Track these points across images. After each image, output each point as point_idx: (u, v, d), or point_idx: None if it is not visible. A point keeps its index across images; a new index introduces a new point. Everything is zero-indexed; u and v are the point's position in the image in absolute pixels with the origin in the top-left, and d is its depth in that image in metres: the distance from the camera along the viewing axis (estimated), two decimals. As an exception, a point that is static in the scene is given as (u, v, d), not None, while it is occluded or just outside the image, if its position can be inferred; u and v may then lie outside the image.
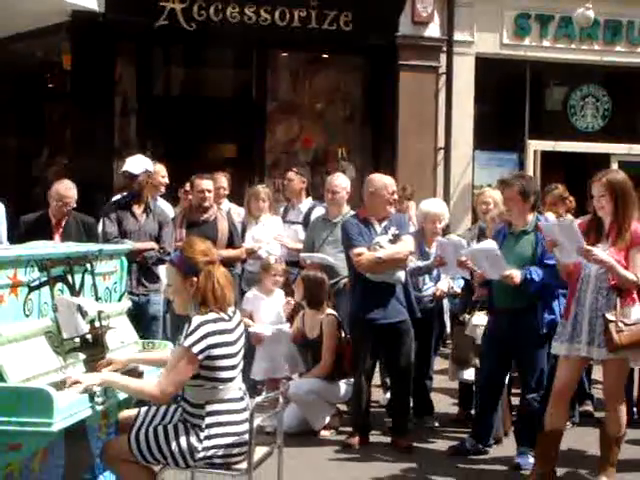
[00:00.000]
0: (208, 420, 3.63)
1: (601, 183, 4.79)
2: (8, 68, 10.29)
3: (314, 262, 6.56)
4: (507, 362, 5.54)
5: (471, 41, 10.66)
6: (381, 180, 5.93)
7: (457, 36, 10.52)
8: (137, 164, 6.36)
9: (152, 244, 6.20)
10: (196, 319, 3.60)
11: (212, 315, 3.62)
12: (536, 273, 5.19)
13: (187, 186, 7.43)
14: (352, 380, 6.11)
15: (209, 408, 3.63)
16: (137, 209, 6.30)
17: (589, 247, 4.61)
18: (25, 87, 10.52)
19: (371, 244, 5.71)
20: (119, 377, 3.72)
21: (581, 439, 5.88)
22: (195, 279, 3.65)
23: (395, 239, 5.71)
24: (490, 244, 5.32)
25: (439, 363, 7.12)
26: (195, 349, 3.53)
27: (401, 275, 5.75)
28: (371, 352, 5.88)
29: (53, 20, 9.30)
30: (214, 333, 3.58)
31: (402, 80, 10.35)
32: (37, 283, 3.71)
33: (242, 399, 3.74)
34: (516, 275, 5.17)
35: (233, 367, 3.68)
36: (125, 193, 6.61)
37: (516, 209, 5.40)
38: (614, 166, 10.51)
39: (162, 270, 6.47)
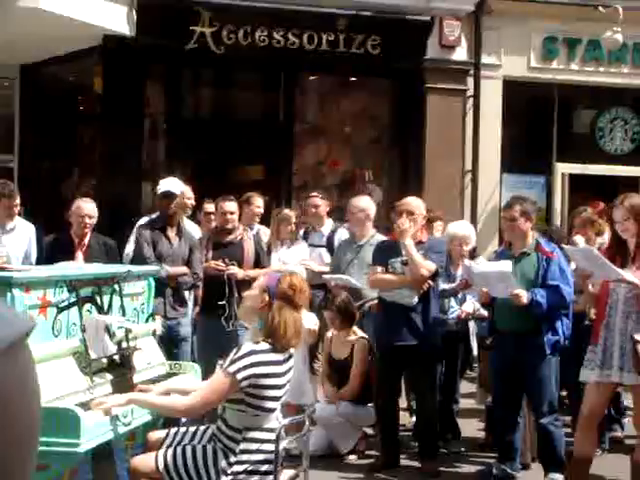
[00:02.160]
0: (243, 446, 3.63)
1: (623, 207, 4.78)
2: (41, 91, 10.46)
3: (338, 284, 6.55)
4: (518, 383, 5.49)
5: (498, 64, 10.67)
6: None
7: (484, 59, 10.53)
8: (169, 184, 6.40)
9: (185, 269, 6.22)
10: (247, 346, 3.63)
11: (264, 345, 3.63)
12: (541, 295, 5.19)
13: (206, 208, 7.49)
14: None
15: (246, 434, 3.64)
16: (171, 232, 6.30)
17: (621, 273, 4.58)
18: (57, 110, 10.68)
19: (388, 264, 5.75)
20: (145, 395, 3.74)
21: (611, 466, 5.79)
22: (267, 300, 3.66)
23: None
24: (507, 266, 5.28)
25: (466, 387, 7.06)
26: (239, 376, 3.53)
27: (413, 299, 5.72)
28: (389, 374, 5.86)
29: (85, 44, 9.44)
30: (262, 364, 3.59)
31: (429, 103, 10.37)
32: (66, 304, 3.75)
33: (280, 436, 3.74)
34: (523, 295, 5.16)
35: (277, 398, 3.70)
36: (154, 215, 6.65)
37: (518, 230, 5.41)
38: (644, 189, 10.44)
39: (188, 293, 6.51)
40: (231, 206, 6.61)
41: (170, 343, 5.86)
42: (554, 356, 5.34)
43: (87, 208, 6.28)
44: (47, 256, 5.89)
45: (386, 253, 5.87)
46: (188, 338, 6.39)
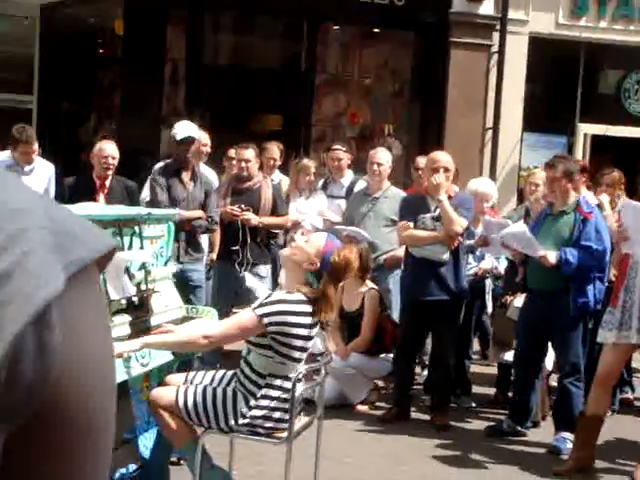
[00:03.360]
0: (264, 391, 3.65)
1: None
2: (61, 32, 10.37)
3: (349, 235, 6.51)
4: (542, 344, 5.49)
5: (525, 20, 10.48)
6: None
7: (511, 14, 10.35)
8: (187, 129, 6.33)
9: (200, 213, 6.18)
10: (279, 294, 3.64)
11: (297, 296, 3.63)
12: (572, 254, 5.14)
13: (230, 153, 7.43)
14: (391, 356, 6.13)
15: (269, 380, 3.66)
16: (185, 176, 6.27)
17: None
18: (77, 51, 10.60)
19: (417, 220, 5.71)
20: (160, 337, 3.74)
21: (621, 427, 5.81)
22: (318, 266, 3.63)
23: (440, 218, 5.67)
24: (520, 227, 5.27)
25: (478, 344, 7.07)
26: (265, 320, 3.54)
27: (445, 255, 5.70)
28: (411, 327, 5.87)
29: (106, -15, 9.34)
30: (292, 313, 3.59)
31: (453, 58, 10.23)
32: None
33: (299, 380, 3.76)
34: (551, 256, 5.12)
35: (304, 349, 3.70)
36: (169, 160, 6.61)
37: (559, 190, 5.34)
38: (667, 153, 10.33)
39: (204, 238, 6.49)
40: (247, 154, 6.58)
41: (184, 288, 5.85)
42: (582, 318, 5.30)
43: (110, 149, 6.26)
44: (68, 197, 5.87)
45: (414, 208, 5.82)
46: (202, 283, 6.39)
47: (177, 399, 3.71)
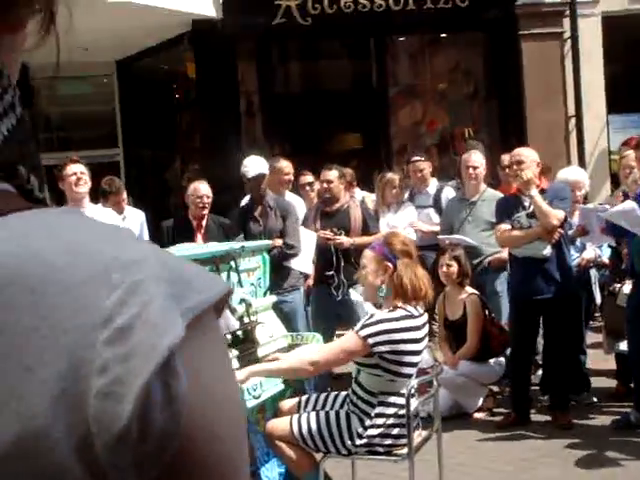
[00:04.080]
0: (378, 410, 3.64)
1: None
2: (138, 84, 10.69)
3: (452, 242, 6.45)
4: None
5: (596, 0, 10.21)
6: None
7: (579, -3, 10.11)
8: (257, 166, 6.34)
9: (277, 241, 6.09)
10: (378, 314, 3.63)
11: (399, 312, 3.62)
12: None
13: (303, 180, 7.51)
14: (501, 359, 6.01)
15: (382, 398, 3.64)
16: (257, 211, 6.30)
17: None
18: (154, 100, 10.91)
19: (512, 220, 5.60)
20: (264, 365, 3.76)
21: None
22: (391, 265, 3.66)
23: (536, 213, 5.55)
24: (630, 204, 5.08)
25: (591, 337, 6.86)
26: (371, 340, 3.53)
27: (545, 250, 5.56)
28: (526, 329, 5.75)
29: (175, 32, 9.58)
30: (397, 331, 3.57)
31: (525, 50, 10.05)
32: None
33: (412, 395, 3.73)
34: None
35: (414, 364, 3.68)
36: (249, 197, 6.65)
37: None
38: None
39: (296, 263, 6.43)
40: (330, 174, 6.55)
41: (284, 318, 5.82)
42: None
43: (204, 189, 6.40)
44: (167, 240, 6.00)
45: (509, 209, 5.72)
46: (295, 314, 6.30)
47: (292, 428, 3.72)
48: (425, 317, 3.77)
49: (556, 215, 5.49)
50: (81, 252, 0.56)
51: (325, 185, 6.55)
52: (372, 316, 3.63)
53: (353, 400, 3.70)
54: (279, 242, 6.08)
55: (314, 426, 3.69)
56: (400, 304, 3.63)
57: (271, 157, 7.73)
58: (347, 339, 3.63)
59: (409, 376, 3.66)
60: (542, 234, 5.52)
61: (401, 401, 3.64)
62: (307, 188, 7.55)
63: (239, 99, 10.26)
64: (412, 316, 3.62)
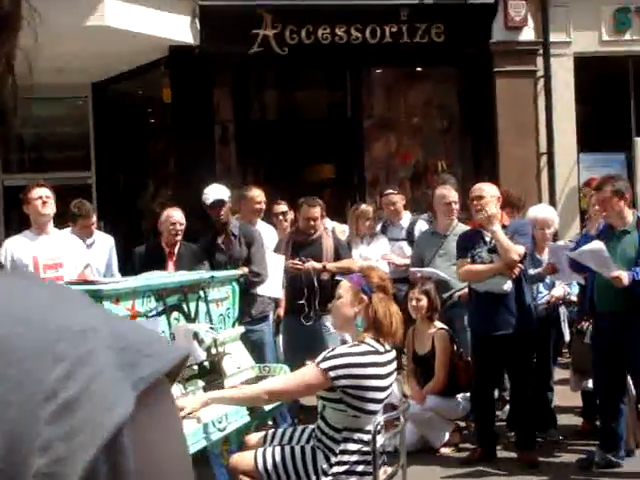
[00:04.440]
0: (342, 446, 3.59)
1: None
2: (113, 107, 10.66)
3: (424, 276, 6.46)
4: (620, 366, 5.31)
5: (568, 41, 10.39)
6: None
7: (553, 37, 10.27)
8: (217, 193, 6.29)
9: (240, 270, 6.05)
10: (343, 347, 3.60)
11: (363, 347, 3.59)
12: None
13: (277, 209, 7.50)
14: (468, 395, 6.02)
15: (346, 434, 3.60)
16: (220, 240, 6.24)
17: None
18: (129, 124, 10.87)
19: (473, 255, 5.64)
20: (221, 392, 3.72)
21: None
22: (366, 298, 3.64)
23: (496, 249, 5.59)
24: (597, 245, 5.13)
25: (559, 373, 6.88)
26: (331, 374, 3.49)
27: (506, 286, 5.59)
28: (486, 365, 5.75)
29: (152, 57, 9.58)
30: (360, 365, 3.53)
31: (499, 87, 10.18)
32: (154, 313, 3.78)
33: (379, 432, 3.69)
34: (624, 276, 4.98)
35: (379, 401, 3.64)
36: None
37: (611, 211, 5.23)
38: None
39: (265, 290, 6.37)
40: (316, 212, 6.51)
41: (252, 348, 5.77)
42: None
43: (177, 216, 6.37)
44: (139, 266, 5.94)
45: (470, 244, 5.76)
46: (264, 343, 6.25)
47: (256, 462, 3.68)
48: (392, 354, 3.74)
49: (517, 250, 5.53)
50: (29, 321, 0.54)
51: (311, 223, 6.49)
52: (334, 349, 3.59)
53: (318, 435, 3.67)
54: (245, 270, 6.04)
55: (279, 461, 3.65)
56: (368, 338, 3.61)
57: (244, 185, 7.75)
58: (308, 370, 3.59)
59: (374, 412, 3.62)
60: (503, 269, 5.55)
61: (366, 437, 3.60)
62: (280, 217, 7.54)
63: (214, 126, 10.27)
64: (377, 352, 3.59)
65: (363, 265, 6.03)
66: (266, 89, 11.46)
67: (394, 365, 3.75)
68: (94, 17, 8.36)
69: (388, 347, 3.69)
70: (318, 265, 6.28)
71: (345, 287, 3.77)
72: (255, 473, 3.69)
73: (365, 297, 3.65)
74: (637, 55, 10.58)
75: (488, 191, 5.73)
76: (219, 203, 6.16)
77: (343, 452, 3.58)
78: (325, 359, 3.52)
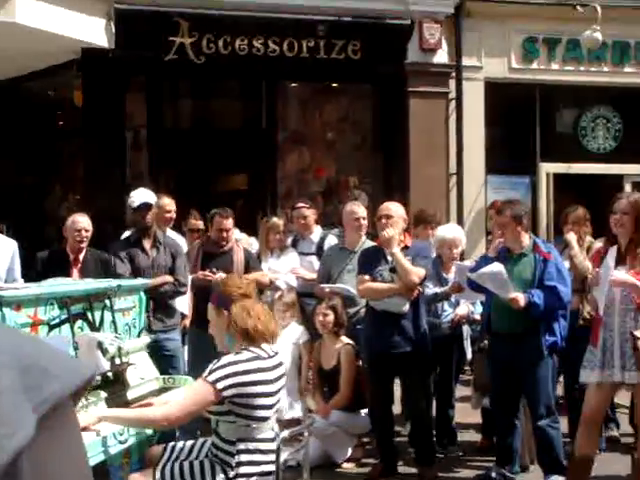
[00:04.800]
0: (238, 458, 3.56)
1: (628, 201, 4.78)
2: (21, 107, 10.36)
3: (333, 291, 6.48)
4: (515, 386, 5.46)
5: (479, 66, 10.67)
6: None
7: (465, 62, 10.53)
8: (143, 196, 6.31)
9: (166, 278, 6.12)
10: (226, 358, 3.55)
11: (246, 355, 3.56)
12: (538, 296, 5.17)
13: (192, 225, 7.46)
14: (372, 410, 6.07)
15: (241, 446, 3.56)
16: (147, 244, 6.24)
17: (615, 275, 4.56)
18: (37, 125, 10.58)
19: (374, 272, 5.71)
20: (115, 411, 3.65)
21: (609, 466, 5.76)
22: (226, 312, 3.62)
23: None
24: (497, 267, 5.27)
25: (461, 391, 7.02)
26: (219, 385, 3.46)
27: (404, 306, 5.67)
28: (380, 382, 5.81)
29: (63, 58, 9.36)
30: (245, 372, 3.51)
31: (412, 107, 10.35)
32: (57, 321, 3.68)
33: (273, 440, 3.67)
34: (521, 298, 5.13)
35: (269, 407, 3.61)
36: (133, 229, 6.57)
37: (511, 234, 5.38)
38: (627, 187, 10.51)
39: (179, 303, 6.43)
40: (229, 224, 6.54)
41: (161, 358, 5.74)
42: (551, 357, 5.33)
43: (82, 222, 6.21)
44: (42, 272, 5.77)
45: (372, 261, 5.81)
46: (178, 352, 6.26)
47: None
48: (278, 358, 3.73)
49: (417, 273, 5.61)
50: None
51: (224, 234, 6.48)
52: (218, 360, 3.55)
53: (214, 452, 3.63)
54: (169, 278, 6.04)
55: (177, 477, 3.60)
56: (246, 346, 3.59)
57: (155, 193, 7.63)
58: (196, 387, 3.55)
59: (265, 419, 3.59)
60: (402, 290, 5.63)
61: (260, 446, 3.57)
62: (195, 234, 7.48)
63: (126, 132, 10.10)
64: (260, 357, 3.58)
65: (249, 277, 6.11)
66: (181, 97, 11.35)
67: (282, 370, 3.74)
68: (3, 13, 8.11)
69: (272, 352, 3.67)
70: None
71: (209, 308, 3.78)
72: (155, 491, 3.63)
73: (225, 311, 3.63)
74: (543, 84, 10.95)
75: (396, 210, 5.81)
76: (146, 206, 6.17)
77: (239, 464, 3.55)
78: (211, 372, 3.49)
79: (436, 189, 10.33)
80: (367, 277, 5.75)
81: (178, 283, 6.13)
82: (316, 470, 5.46)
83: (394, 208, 5.86)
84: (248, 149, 10.56)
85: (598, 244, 5.47)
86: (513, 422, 5.52)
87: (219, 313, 3.67)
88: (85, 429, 3.44)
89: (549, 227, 10.81)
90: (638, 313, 4.68)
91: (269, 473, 3.59)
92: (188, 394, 3.53)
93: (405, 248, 5.73)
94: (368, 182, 10.99)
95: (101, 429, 3.56)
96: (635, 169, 11.20)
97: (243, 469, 3.55)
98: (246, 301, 3.64)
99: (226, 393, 3.47)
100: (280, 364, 3.73)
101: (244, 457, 3.56)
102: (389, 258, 5.71)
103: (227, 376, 3.47)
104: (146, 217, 6.19)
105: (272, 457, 3.63)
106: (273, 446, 3.65)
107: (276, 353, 3.72)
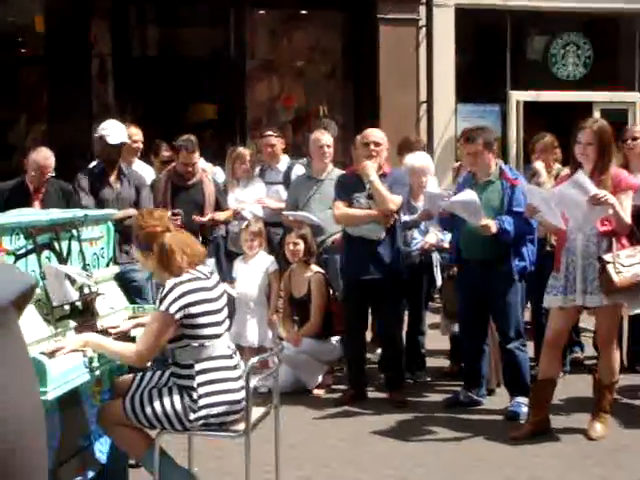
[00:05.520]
0: (199, 379, 3.62)
1: (592, 130, 4.78)
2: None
3: (297, 219, 6.47)
4: (484, 312, 5.55)
5: (450, -8, 10.54)
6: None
7: (436, -13, 10.39)
8: (120, 134, 6.17)
9: (131, 211, 6.05)
10: (169, 282, 3.60)
11: (186, 276, 3.63)
12: (508, 222, 5.21)
13: (163, 157, 7.37)
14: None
15: (198, 367, 3.62)
16: (111, 176, 6.17)
17: (599, 192, 4.57)
18: (-2, 53, 10.31)
19: (352, 198, 5.71)
20: (100, 338, 3.68)
21: (573, 386, 5.92)
22: (153, 253, 3.68)
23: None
24: (470, 195, 5.28)
25: (430, 318, 7.12)
26: (171, 310, 3.52)
27: (379, 232, 5.70)
28: (356, 308, 5.88)
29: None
30: (191, 292, 3.58)
31: (382, 34, 10.23)
32: (24, 251, 3.64)
33: (232, 357, 3.74)
34: (492, 225, 5.17)
35: (217, 323, 3.68)
36: (95, 162, 6.48)
37: (482, 162, 5.39)
38: (596, 114, 10.51)
39: None
40: (195, 157, 6.51)
41: (129, 290, 5.73)
42: (520, 282, 5.40)
43: (44, 157, 6.08)
44: (3, 204, 5.68)
45: (349, 187, 5.81)
46: (145, 283, 6.25)
47: (125, 410, 3.68)
48: (216, 277, 3.80)
49: (394, 200, 5.64)
50: None
51: (189, 169, 6.52)
52: (163, 288, 3.60)
53: (176, 381, 3.68)
54: (134, 212, 5.99)
55: (147, 404, 3.65)
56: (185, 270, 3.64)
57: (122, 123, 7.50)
58: (154, 320, 3.59)
59: (217, 336, 3.66)
60: (379, 217, 5.66)
61: (218, 364, 3.63)
62: (166, 165, 7.39)
63: (91, 60, 9.88)
64: (199, 278, 3.65)
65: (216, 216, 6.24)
66: (147, 24, 11.10)
67: (222, 288, 3.81)
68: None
69: (209, 273, 3.74)
70: (205, 219, 6.45)
71: (136, 253, 3.91)
72: (125, 419, 3.68)
73: (150, 252, 3.69)
74: (515, 10, 10.86)
75: (383, 137, 5.83)
76: (122, 145, 6.15)
77: (202, 384, 3.61)
78: (161, 301, 3.56)
79: (406, 118, 10.28)
80: (343, 203, 5.75)
81: None
82: (287, 396, 5.55)
83: (381, 135, 5.87)
84: (217, 78, 10.41)
85: (566, 171, 5.49)
86: (482, 347, 5.62)
87: (146, 254, 3.73)
88: (73, 351, 3.48)
89: (519, 155, 10.85)
90: (601, 238, 4.74)
91: (234, 393, 3.64)
92: (149, 329, 3.57)
93: (383, 176, 5.73)
94: (338, 111, 10.91)
95: (72, 357, 3.58)
96: (604, 96, 11.22)
97: (206, 388, 3.61)
98: (167, 235, 3.68)
99: (178, 315, 3.54)
100: (219, 282, 3.81)
101: (204, 377, 3.62)
102: (367, 185, 5.71)
103: (175, 299, 3.54)
104: (121, 153, 6.15)
105: (234, 374, 3.69)
106: (233, 362, 3.71)
107: (212, 273, 3.80)
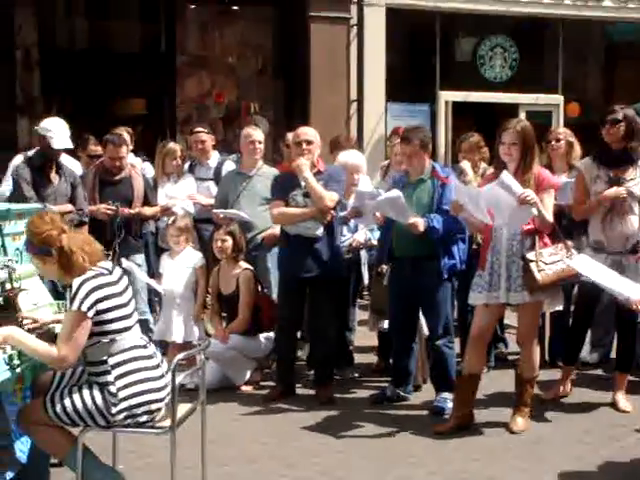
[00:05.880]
0: (115, 372, 3.60)
1: (515, 131, 4.88)
2: None
3: (227, 217, 6.45)
4: (414, 309, 5.62)
5: (381, -8, 10.63)
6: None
7: (367, -13, 10.47)
8: (59, 136, 6.05)
9: (70, 206, 6.05)
10: (76, 281, 3.56)
11: (90, 272, 3.60)
12: (437, 220, 5.27)
13: (91, 151, 7.27)
14: (270, 334, 6.14)
15: (112, 361, 3.60)
16: (50, 171, 6.10)
17: (525, 191, 4.67)
18: None
19: (288, 197, 5.71)
20: (22, 335, 3.60)
21: (497, 381, 6.04)
22: (53, 256, 3.61)
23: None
24: (395, 193, 5.33)
25: (358, 314, 7.18)
26: (83, 308, 3.49)
27: (318, 230, 5.72)
28: (290, 305, 5.88)
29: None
30: (98, 287, 3.56)
31: (313, 32, 10.27)
32: (-57, 245, 3.55)
33: (146, 347, 3.73)
34: (420, 223, 5.24)
35: (126, 317, 3.67)
36: (30, 153, 6.36)
37: (417, 162, 5.45)
38: (522, 115, 10.75)
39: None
40: (122, 152, 6.46)
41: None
42: (450, 280, 5.48)
43: None
44: None
45: (285, 186, 5.80)
46: None
47: (46, 409, 3.62)
48: (118, 272, 3.77)
49: (330, 197, 5.67)
50: None
51: (117, 163, 6.46)
52: (71, 287, 3.56)
53: (91, 379, 3.65)
54: (71, 207, 5.95)
55: (68, 402, 3.59)
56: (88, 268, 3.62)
57: (48, 116, 7.36)
58: (69, 320, 3.54)
59: (126, 329, 3.65)
60: (316, 214, 5.68)
61: (132, 354, 3.63)
62: (94, 160, 7.28)
63: (15, 50, 9.65)
64: (103, 274, 3.63)
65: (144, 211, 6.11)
66: (75, 15, 10.89)
67: (126, 281, 3.79)
68: None
69: (111, 268, 3.72)
70: (133, 211, 6.42)
71: (32, 260, 3.81)
72: (46, 419, 3.62)
73: (48, 256, 3.64)
74: (444, 12, 11.02)
75: (315, 135, 5.83)
76: (66, 149, 6.16)
77: (118, 377, 3.59)
78: (72, 301, 3.52)
79: (337, 116, 10.34)
80: (281, 202, 5.74)
81: (81, 212, 6.08)
82: (215, 393, 5.54)
83: (313, 133, 5.87)
84: (146, 72, 10.30)
85: (491, 170, 5.60)
86: (410, 345, 5.69)
87: (44, 259, 3.66)
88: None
89: (447, 155, 11.02)
90: (525, 237, 4.85)
91: (159, 389, 3.62)
92: (67, 331, 3.51)
93: (318, 173, 5.74)
94: (269, 108, 10.91)
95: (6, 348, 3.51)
96: (529, 98, 11.48)
97: (123, 380, 3.59)
98: (64, 236, 3.64)
99: (91, 313, 3.51)
100: (122, 277, 3.78)
101: (119, 369, 3.60)
102: (302, 184, 5.71)
103: (86, 296, 3.51)
104: (60, 154, 6.12)
105: (152, 362, 3.69)
106: (148, 352, 3.70)
107: (114, 267, 3.78)
